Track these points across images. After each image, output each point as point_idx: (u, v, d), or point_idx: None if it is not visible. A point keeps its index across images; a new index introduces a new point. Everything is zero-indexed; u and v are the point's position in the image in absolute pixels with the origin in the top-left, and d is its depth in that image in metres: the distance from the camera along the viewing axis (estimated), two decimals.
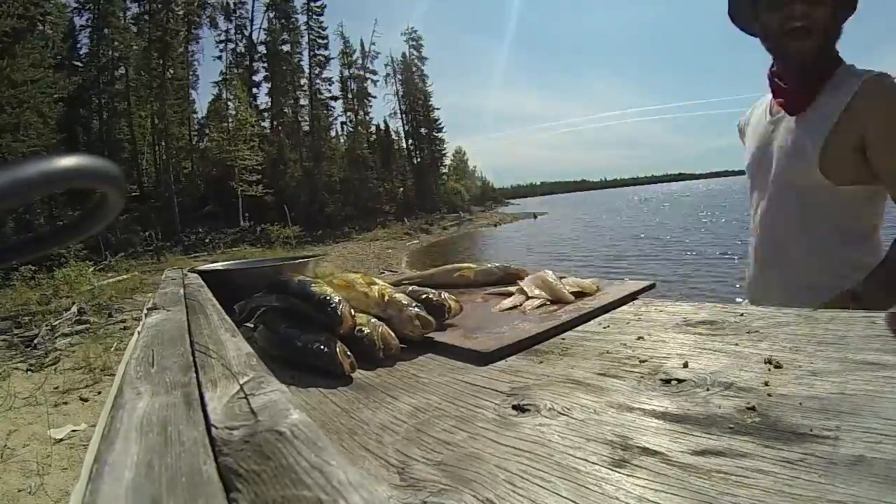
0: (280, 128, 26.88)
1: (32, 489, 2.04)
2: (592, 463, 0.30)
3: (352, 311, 0.58)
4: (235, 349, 0.39)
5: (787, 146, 0.94)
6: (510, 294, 0.78)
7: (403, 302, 0.62)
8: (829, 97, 0.90)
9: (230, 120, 22.74)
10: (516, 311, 0.71)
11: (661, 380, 0.42)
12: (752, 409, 0.35)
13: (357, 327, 0.57)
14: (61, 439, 2.49)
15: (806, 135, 0.90)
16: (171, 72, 21.76)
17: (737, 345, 0.49)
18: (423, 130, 33.30)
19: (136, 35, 21.75)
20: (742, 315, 0.58)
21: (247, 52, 27.20)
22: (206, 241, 17.81)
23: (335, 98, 29.50)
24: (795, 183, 0.93)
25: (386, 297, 0.63)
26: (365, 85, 30.80)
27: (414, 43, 33.90)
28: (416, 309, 0.61)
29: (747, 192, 1.08)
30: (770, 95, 1.03)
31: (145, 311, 0.61)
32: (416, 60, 33.86)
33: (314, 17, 28.61)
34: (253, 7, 27.66)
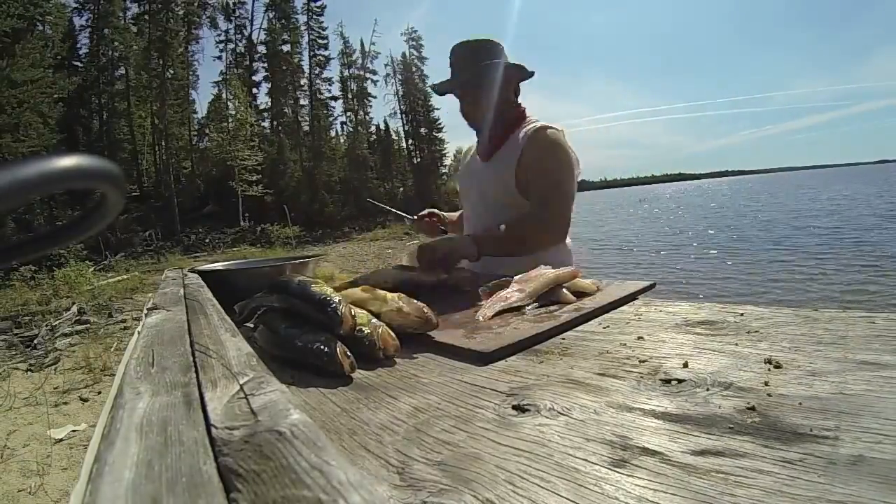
0: (280, 128, 26.87)
1: (32, 489, 2.03)
2: (592, 463, 0.30)
3: (352, 311, 0.58)
4: (235, 349, 0.39)
5: (490, 178, 1.35)
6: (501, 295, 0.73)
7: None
8: (507, 148, 1.32)
9: (230, 120, 22.73)
10: (510, 313, 0.70)
11: (661, 380, 0.42)
12: (752, 409, 0.35)
13: (357, 327, 0.57)
14: (61, 439, 2.49)
15: (501, 171, 1.31)
16: (171, 72, 21.76)
17: (736, 345, 0.49)
18: (423, 130, 33.23)
19: (136, 35, 21.75)
20: (742, 315, 0.58)
21: (247, 52, 27.19)
22: (206, 241, 17.79)
23: (335, 98, 29.49)
24: (500, 200, 1.33)
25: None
26: (365, 85, 30.79)
27: (414, 43, 33.87)
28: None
29: (463, 204, 1.53)
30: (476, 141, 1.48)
31: (145, 311, 0.61)
32: (416, 60, 33.82)
33: (314, 17, 28.60)
34: (253, 7, 27.68)
